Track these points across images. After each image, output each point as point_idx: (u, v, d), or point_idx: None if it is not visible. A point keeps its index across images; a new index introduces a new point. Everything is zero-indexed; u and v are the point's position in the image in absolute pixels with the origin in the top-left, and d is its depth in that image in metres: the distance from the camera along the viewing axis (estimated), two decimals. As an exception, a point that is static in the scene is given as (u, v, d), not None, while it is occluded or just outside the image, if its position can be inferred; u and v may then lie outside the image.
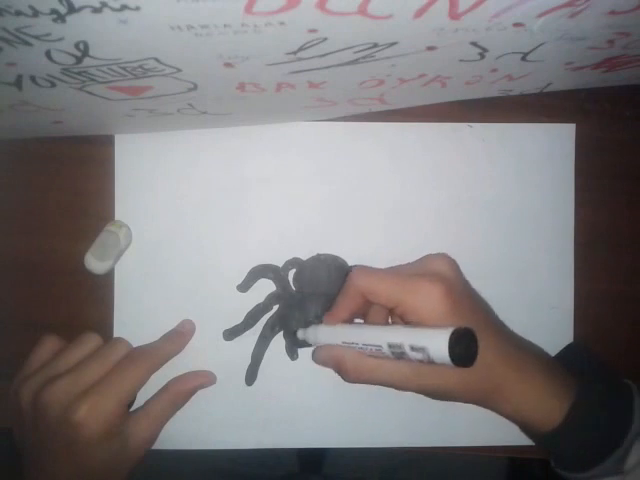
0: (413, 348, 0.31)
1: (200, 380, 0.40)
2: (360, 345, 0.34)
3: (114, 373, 0.36)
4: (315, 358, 0.37)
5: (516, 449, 0.43)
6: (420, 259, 0.37)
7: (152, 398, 0.39)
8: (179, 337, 0.41)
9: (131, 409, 0.39)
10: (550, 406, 0.34)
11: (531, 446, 0.42)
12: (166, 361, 0.39)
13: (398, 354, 0.32)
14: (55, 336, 0.39)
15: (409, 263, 0.37)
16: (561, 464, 0.36)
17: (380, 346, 0.33)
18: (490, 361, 0.33)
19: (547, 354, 0.39)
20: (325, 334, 0.37)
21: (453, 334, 0.29)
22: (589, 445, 0.34)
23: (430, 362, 0.30)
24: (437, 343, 0.29)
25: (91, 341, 0.38)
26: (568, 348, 0.41)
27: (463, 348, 0.29)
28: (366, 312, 0.37)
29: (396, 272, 0.35)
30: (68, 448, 0.34)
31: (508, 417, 0.36)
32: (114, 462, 0.36)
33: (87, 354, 0.37)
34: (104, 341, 0.39)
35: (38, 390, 0.35)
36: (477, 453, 0.43)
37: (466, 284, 0.36)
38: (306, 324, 0.39)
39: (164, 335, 0.41)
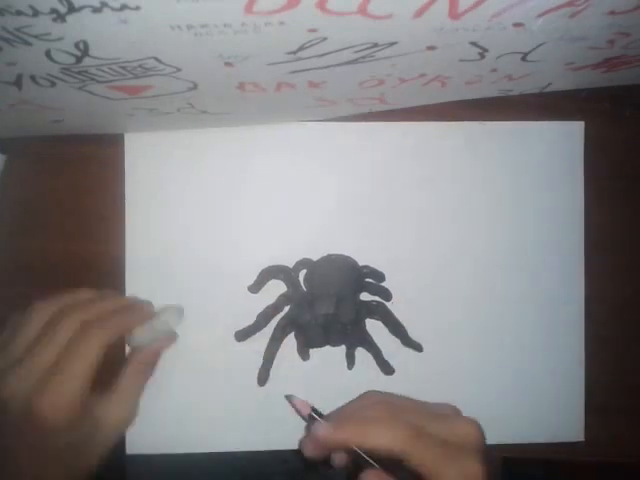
0: None
1: (160, 343, 0.39)
2: None
3: (66, 355, 0.34)
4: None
5: (516, 449, 0.43)
6: (449, 418, 0.34)
7: (119, 376, 0.37)
8: (138, 310, 0.39)
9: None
10: None
11: (531, 446, 0.43)
12: (122, 333, 0.37)
13: None
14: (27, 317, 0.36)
15: (434, 414, 0.34)
16: None
17: None
18: None
19: None
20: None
21: None
22: None
23: None
24: None
25: (38, 316, 0.35)
26: None
27: None
28: None
29: (428, 435, 0.32)
30: (35, 441, 0.33)
31: None
32: (86, 445, 0.35)
33: (37, 333, 0.35)
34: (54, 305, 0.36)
35: None
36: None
37: (489, 461, 0.33)
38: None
39: (125, 301, 0.39)
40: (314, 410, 0.35)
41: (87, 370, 0.34)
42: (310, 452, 0.34)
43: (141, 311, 0.39)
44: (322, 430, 0.33)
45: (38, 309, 0.36)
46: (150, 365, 0.39)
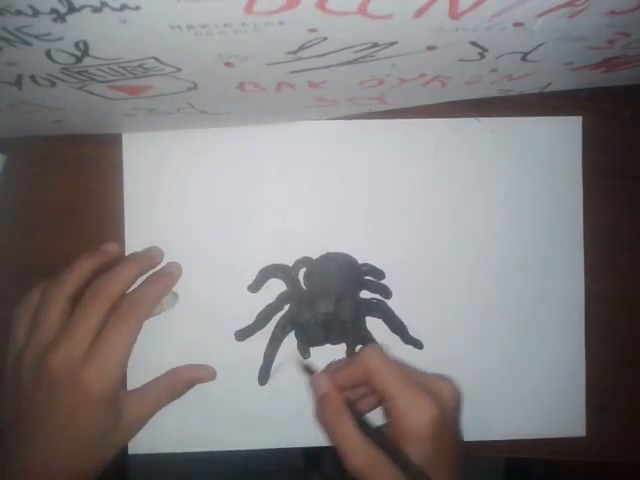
0: None
1: (202, 373, 0.41)
2: None
3: (108, 334, 0.36)
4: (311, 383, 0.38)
5: (517, 445, 0.43)
6: (431, 374, 0.37)
7: (151, 381, 0.39)
8: (165, 277, 0.40)
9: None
10: None
11: (533, 442, 0.43)
12: (156, 304, 0.39)
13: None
14: (26, 305, 0.38)
15: (418, 370, 0.37)
16: None
17: None
18: None
19: None
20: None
21: None
22: None
23: None
24: None
25: (58, 296, 0.37)
26: None
27: None
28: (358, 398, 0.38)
29: (404, 370, 0.36)
30: (72, 411, 0.35)
31: None
32: (108, 435, 0.36)
33: (63, 312, 0.37)
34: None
35: (41, 357, 0.35)
36: (477, 454, 0.43)
37: (458, 418, 0.37)
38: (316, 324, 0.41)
39: (148, 278, 0.40)
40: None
41: (129, 345, 0.36)
42: (320, 409, 0.36)
43: (166, 279, 0.40)
44: (316, 375, 0.37)
45: (68, 283, 0.37)
46: (184, 387, 0.40)
